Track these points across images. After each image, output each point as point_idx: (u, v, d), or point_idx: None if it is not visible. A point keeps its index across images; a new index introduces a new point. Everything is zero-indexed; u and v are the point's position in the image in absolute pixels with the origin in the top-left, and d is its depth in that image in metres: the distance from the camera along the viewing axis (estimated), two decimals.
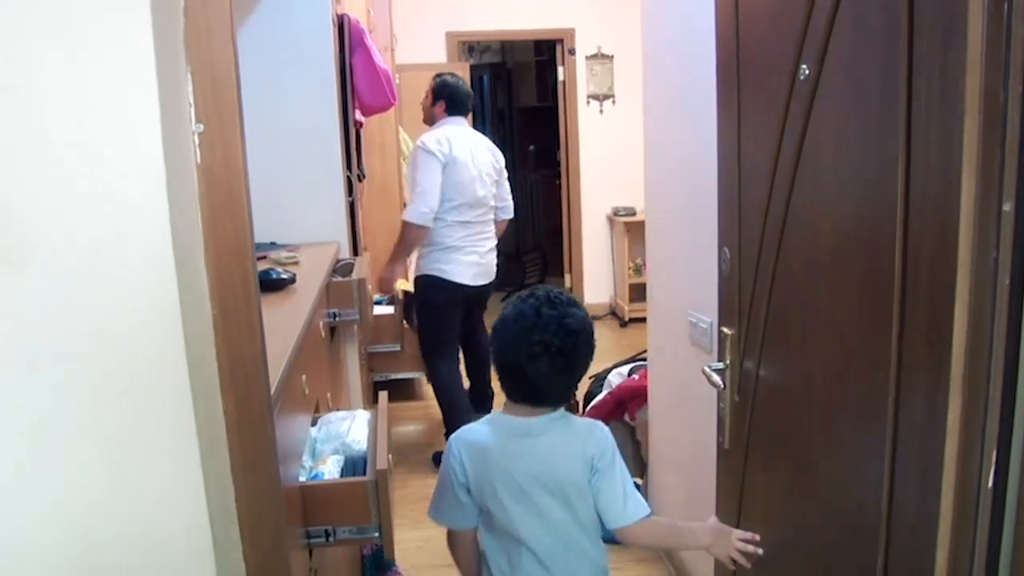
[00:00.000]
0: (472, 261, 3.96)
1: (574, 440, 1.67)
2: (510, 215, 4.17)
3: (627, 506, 1.66)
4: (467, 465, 1.70)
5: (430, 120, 4.05)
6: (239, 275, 1.04)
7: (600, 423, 1.76)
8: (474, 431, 1.74)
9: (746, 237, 1.66)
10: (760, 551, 1.64)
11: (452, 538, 1.83)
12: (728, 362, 1.76)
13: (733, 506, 1.82)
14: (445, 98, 3.97)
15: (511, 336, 1.63)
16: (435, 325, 4.08)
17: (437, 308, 4.03)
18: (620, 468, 1.68)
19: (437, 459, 4.08)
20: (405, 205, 3.99)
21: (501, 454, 1.67)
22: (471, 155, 3.89)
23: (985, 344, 0.99)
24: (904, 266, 1.13)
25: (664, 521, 1.89)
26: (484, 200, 3.96)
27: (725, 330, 1.77)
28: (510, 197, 4.18)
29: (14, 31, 0.84)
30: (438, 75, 4.10)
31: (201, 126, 0.97)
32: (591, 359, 1.69)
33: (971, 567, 1.04)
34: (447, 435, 4.12)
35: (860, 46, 1.23)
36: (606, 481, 1.65)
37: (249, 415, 1.05)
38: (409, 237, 3.84)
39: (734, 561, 1.66)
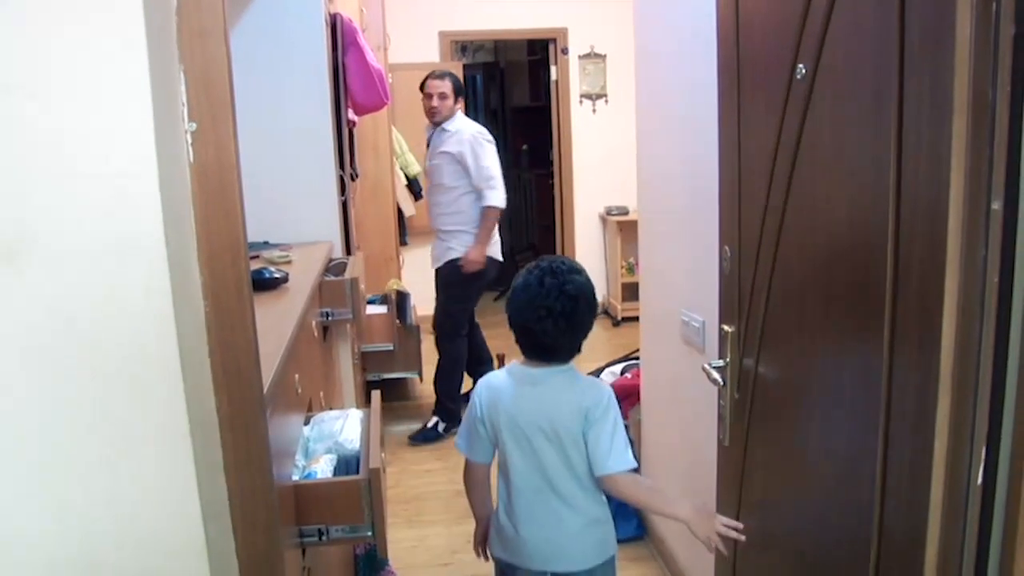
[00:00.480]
0: (497, 239, 4.40)
1: (573, 391, 1.86)
2: None
3: (611, 456, 1.80)
4: (484, 403, 1.93)
5: (445, 117, 4.20)
6: (232, 274, 1.04)
7: (598, 381, 1.99)
8: (496, 376, 1.99)
9: (745, 235, 1.66)
10: (743, 538, 1.66)
11: (467, 469, 2.05)
12: (728, 359, 1.76)
13: (733, 500, 1.83)
14: (463, 95, 4.36)
15: (521, 303, 1.83)
16: (473, 302, 4.43)
17: (481, 286, 4.38)
18: (614, 422, 1.83)
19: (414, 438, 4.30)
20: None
21: (510, 398, 1.88)
22: None
23: (974, 342, 1.00)
24: (895, 263, 1.14)
25: (646, 481, 2.07)
26: None
27: (725, 327, 1.77)
28: None
29: (9, 32, 0.84)
30: (445, 74, 4.25)
31: (194, 125, 0.97)
32: (593, 318, 1.88)
33: (961, 562, 1.05)
34: (438, 411, 4.29)
35: (854, 46, 1.24)
36: (595, 430, 1.81)
37: (242, 413, 1.05)
38: (494, 220, 4.21)
39: (718, 549, 1.71)
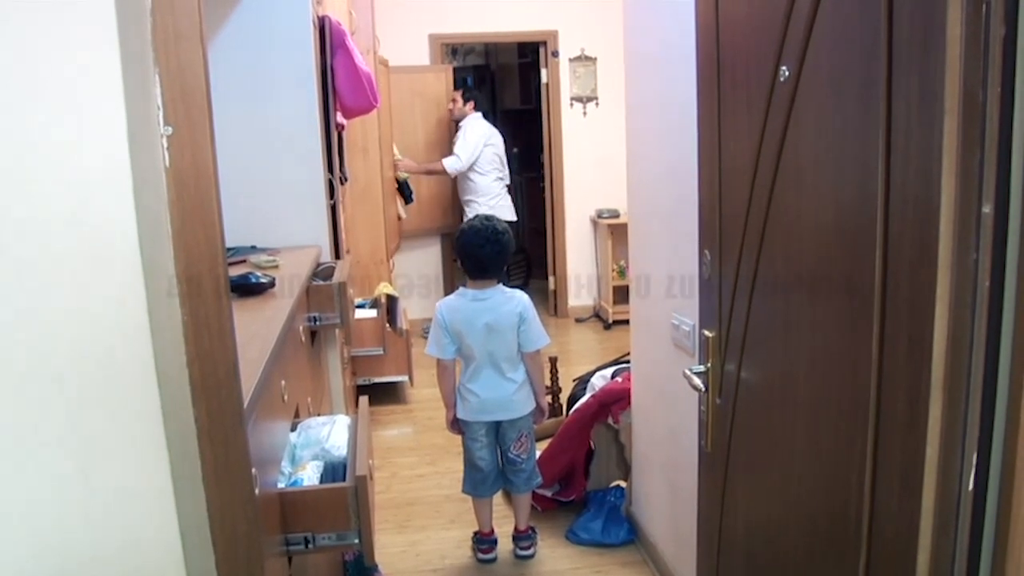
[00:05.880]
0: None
1: (509, 302, 2.91)
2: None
3: (537, 341, 2.93)
4: (447, 317, 2.91)
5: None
6: (210, 281, 1.02)
7: (523, 293, 2.96)
8: (450, 299, 2.99)
9: (727, 239, 1.65)
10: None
11: (440, 366, 3.00)
12: (709, 364, 1.75)
13: (715, 508, 1.81)
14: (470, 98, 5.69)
15: (472, 236, 2.88)
16: None
17: None
18: (535, 317, 2.93)
19: None
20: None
21: (467, 311, 2.90)
22: None
23: (965, 346, 0.98)
24: (884, 268, 1.12)
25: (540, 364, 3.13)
26: None
27: (706, 332, 1.76)
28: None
29: None
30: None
31: (170, 128, 0.95)
32: (511, 252, 2.97)
33: (952, 569, 1.04)
34: None
35: (840, 47, 1.23)
36: (526, 325, 2.90)
37: (221, 424, 1.03)
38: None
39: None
